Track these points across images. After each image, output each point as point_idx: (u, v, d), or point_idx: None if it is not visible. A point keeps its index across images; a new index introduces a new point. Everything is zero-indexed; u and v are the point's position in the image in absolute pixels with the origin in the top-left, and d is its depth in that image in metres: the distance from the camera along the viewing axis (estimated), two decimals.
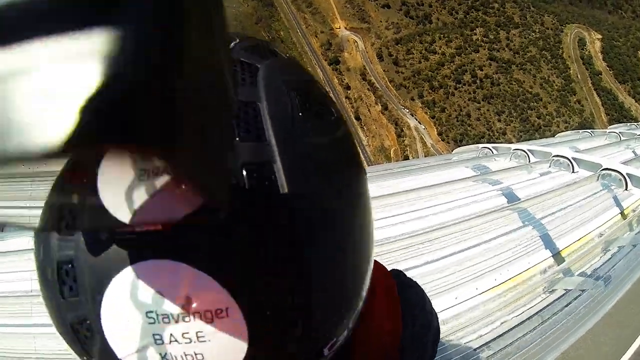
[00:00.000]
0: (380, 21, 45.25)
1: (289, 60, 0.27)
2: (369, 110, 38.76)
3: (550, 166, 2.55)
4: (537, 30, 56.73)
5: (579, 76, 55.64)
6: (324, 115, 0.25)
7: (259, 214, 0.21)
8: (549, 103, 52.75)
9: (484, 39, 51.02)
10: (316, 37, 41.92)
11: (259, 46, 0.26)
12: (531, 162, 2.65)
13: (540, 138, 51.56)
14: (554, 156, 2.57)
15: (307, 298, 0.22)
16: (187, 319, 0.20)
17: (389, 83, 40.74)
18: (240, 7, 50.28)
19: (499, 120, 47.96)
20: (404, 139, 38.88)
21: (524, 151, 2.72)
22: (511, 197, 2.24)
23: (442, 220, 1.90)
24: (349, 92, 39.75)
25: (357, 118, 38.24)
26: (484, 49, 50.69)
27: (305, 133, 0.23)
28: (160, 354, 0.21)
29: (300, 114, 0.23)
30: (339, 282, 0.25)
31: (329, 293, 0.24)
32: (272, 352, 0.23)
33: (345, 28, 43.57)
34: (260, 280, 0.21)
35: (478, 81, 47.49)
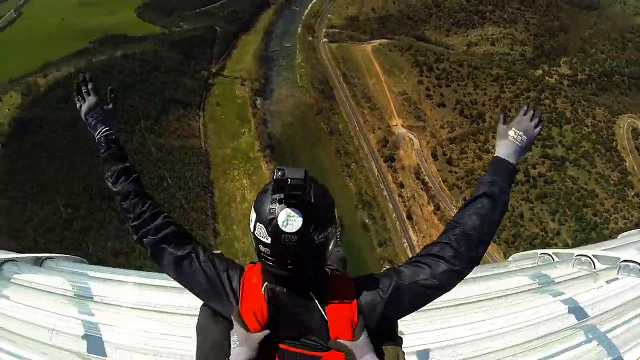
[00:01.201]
0: (436, 120, 47.87)
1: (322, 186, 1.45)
2: (421, 210, 40.25)
3: (618, 273, 2.37)
4: (589, 124, 57.56)
5: (635, 168, 55.01)
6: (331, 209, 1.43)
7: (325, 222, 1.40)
8: (606, 199, 51.96)
9: (537, 136, 52.41)
10: (373, 133, 45.05)
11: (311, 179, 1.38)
12: (597, 268, 2.50)
13: (598, 237, 50.22)
14: (622, 261, 2.40)
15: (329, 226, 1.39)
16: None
17: (442, 183, 42.38)
18: (303, 97, 55.35)
19: (553, 220, 47.81)
20: None
21: (587, 257, 2.56)
22: (578, 312, 2.11)
23: (505, 341, 1.94)
24: (402, 190, 41.67)
25: (409, 217, 39.76)
26: (537, 147, 51.95)
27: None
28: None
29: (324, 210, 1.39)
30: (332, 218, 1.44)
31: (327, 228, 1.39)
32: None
33: (402, 125, 46.43)
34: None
35: (531, 180, 48.26)
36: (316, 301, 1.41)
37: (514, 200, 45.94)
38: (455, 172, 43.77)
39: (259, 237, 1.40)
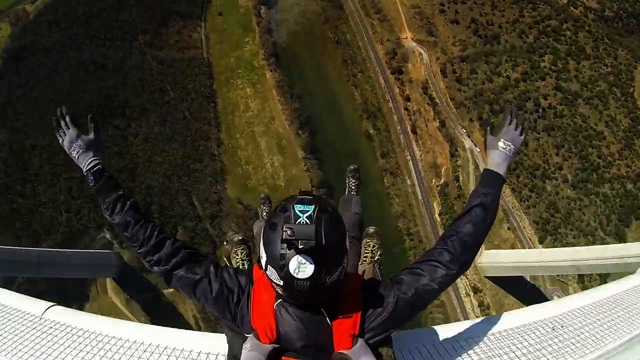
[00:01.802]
0: (448, 36, 45.29)
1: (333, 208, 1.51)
2: (426, 125, 39.06)
3: None
4: (609, 64, 54.90)
5: None
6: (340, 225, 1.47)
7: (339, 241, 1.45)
8: (613, 143, 50.83)
9: (552, 67, 50.09)
10: (382, 44, 42.59)
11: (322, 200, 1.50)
12: None
13: (598, 179, 49.61)
14: None
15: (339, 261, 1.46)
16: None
17: (449, 100, 40.84)
18: (309, 6, 51.79)
19: (557, 155, 46.96)
20: (457, 159, 38.89)
21: None
22: None
23: None
24: (408, 103, 40.19)
25: (414, 131, 38.68)
26: (551, 78, 49.78)
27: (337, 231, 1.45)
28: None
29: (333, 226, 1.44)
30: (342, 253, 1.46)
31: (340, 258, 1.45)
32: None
33: (412, 39, 43.96)
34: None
35: (540, 110, 46.67)
36: (327, 319, 1.50)
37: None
38: (464, 92, 42.04)
39: (271, 278, 1.46)
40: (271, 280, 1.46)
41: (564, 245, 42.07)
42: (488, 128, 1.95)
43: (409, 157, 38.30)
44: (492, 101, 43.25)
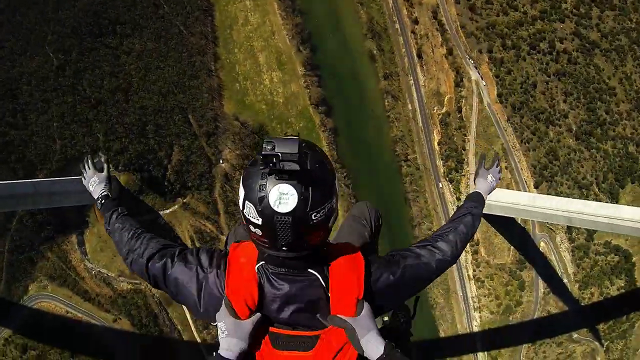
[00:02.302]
0: None
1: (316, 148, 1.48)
2: (432, 50, 37.42)
3: None
4: (634, 20, 52.03)
5: None
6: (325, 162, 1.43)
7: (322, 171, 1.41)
8: (622, 102, 49.13)
9: (574, 10, 47.43)
10: None
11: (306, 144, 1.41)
12: None
13: (602, 135, 48.54)
14: None
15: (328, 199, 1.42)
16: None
17: (459, 28, 38.90)
18: None
19: (565, 102, 45.49)
20: (462, 89, 37.62)
21: None
22: None
23: None
24: (416, 26, 38.28)
25: (419, 56, 37.13)
26: (571, 22, 47.26)
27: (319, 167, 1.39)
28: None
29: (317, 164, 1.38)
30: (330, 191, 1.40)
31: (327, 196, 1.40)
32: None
33: None
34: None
35: (554, 53, 44.64)
36: (318, 276, 1.36)
37: (532, 69, 43.00)
38: (476, 21, 39.93)
39: (248, 217, 1.32)
40: (248, 221, 1.32)
41: (557, 194, 41.79)
42: (483, 161, 2.65)
43: (412, 82, 37.05)
44: (505, 36, 41.24)
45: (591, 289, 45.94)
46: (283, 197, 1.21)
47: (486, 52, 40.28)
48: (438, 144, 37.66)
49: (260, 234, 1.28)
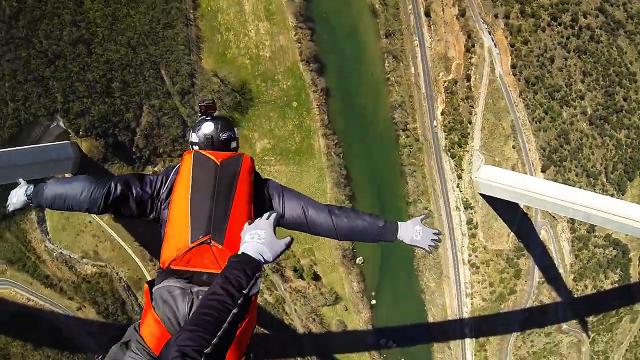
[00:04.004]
0: None
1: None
2: (443, 10, 34.06)
3: None
4: None
5: None
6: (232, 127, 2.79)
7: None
8: None
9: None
10: None
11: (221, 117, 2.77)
12: None
13: (617, 122, 45.56)
14: None
15: None
16: None
17: None
18: None
19: (582, 82, 42.44)
20: (473, 56, 34.47)
21: None
22: None
23: None
24: None
25: (427, 14, 33.75)
26: None
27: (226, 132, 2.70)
28: None
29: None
30: None
31: None
32: None
33: None
34: None
35: (577, 28, 41.35)
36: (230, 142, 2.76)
37: (550, 42, 39.76)
38: None
39: (191, 140, 2.76)
40: (192, 143, 2.77)
41: (565, 181, 39.23)
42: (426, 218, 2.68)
43: (416, 42, 33.77)
44: (524, 1, 37.90)
45: (585, 281, 44.07)
46: (206, 125, 2.67)
47: (502, 17, 36.94)
48: (441, 114, 34.61)
49: (198, 144, 2.71)
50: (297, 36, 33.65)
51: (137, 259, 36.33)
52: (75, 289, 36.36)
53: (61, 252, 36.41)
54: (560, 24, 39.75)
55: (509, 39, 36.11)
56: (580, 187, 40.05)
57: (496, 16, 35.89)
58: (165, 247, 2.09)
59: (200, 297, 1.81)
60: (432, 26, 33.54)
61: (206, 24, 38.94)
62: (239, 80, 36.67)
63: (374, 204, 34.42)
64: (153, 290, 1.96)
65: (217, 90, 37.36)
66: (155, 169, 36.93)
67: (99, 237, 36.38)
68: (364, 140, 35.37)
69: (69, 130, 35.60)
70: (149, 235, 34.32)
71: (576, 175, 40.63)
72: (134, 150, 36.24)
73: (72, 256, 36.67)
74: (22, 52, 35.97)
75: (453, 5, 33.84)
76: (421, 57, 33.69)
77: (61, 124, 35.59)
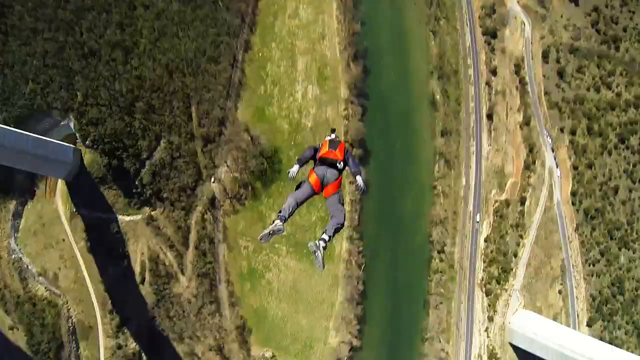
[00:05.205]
0: (561, 16, 34.44)
1: None
2: (506, 114, 28.40)
3: None
4: None
5: None
6: None
7: None
8: None
9: None
10: None
11: None
12: None
13: None
14: None
15: None
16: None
17: (543, 94, 30.19)
18: None
19: None
20: (532, 175, 28.43)
21: None
22: None
23: None
24: (493, 78, 29.66)
25: (490, 117, 28.11)
26: None
27: None
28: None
29: None
30: None
31: None
32: None
33: (518, 1, 32.95)
34: None
35: None
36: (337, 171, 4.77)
37: (616, 168, 33.90)
38: (563, 90, 31.57)
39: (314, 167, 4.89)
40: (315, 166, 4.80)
41: (612, 339, 32.27)
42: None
43: (473, 149, 28.70)
44: (592, 117, 32.53)
45: None
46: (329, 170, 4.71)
47: (569, 132, 31.29)
48: (485, 241, 28.47)
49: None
50: (346, 111, 30.17)
51: (96, 304, 32.43)
52: (17, 305, 32.68)
53: (20, 258, 32.83)
54: (627, 148, 34.35)
55: (572, 159, 30.37)
56: (629, 350, 33.00)
57: (562, 130, 30.34)
58: (320, 153, 4.80)
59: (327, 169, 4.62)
60: (492, 132, 28.02)
61: (253, 71, 36.55)
62: (272, 144, 33.71)
63: (384, 334, 29.95)
64: (314, 167, 4.75)
65: (244, 149, 34.34)
66: (153, 212, 34.16)
67: (65, 260, 32.97)
68: (392, 254, 30.18)
69: (77, 135, 33.74)
70: (120, 282, 32.02)
71: (625, 334, 33.54)
72: (136, 183, 33.26)
73: (29, 268, 33.29)
74: (60, 35, 34.48)
75: (518, 110, 28.27)
76: (475, 168, 28.75)
77: (72, 125, 33.96)
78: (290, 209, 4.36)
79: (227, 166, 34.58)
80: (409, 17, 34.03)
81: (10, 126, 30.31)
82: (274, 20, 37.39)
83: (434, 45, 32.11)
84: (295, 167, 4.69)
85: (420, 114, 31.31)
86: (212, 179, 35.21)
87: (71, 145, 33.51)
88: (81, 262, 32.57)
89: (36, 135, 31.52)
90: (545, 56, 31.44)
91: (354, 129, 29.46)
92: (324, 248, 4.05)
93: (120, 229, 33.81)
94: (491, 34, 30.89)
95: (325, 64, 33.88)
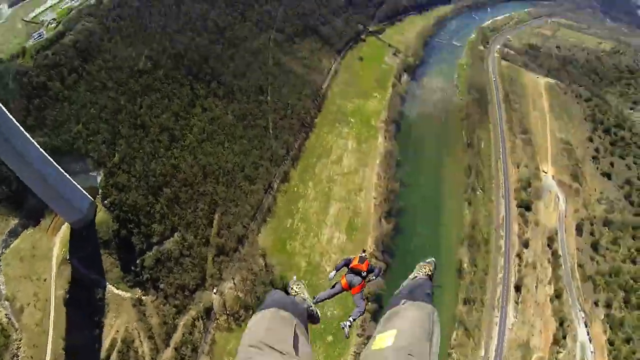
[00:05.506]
0: (594, 189, 37.76)
1: None
2: (536, 287, 31.16)
3: None
4: None
5: None
6: None
7: None
8: None
9: None
10: (517, 168, 36.42)
11: None
12: None
13: None
14: None
15: None
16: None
17: (577, 267, 32.66)
18: (454, 97, 47.97)
19: None
20: (561, 351, 29.98)
21: None
22: None
23: None
24: (524, 250, 32.79)
25: (517, 289, 30.91)
26: None
27: None
28: None
29: None
30: None
31: None
32: None
33: (552, 176, 37.21)
34: None
35: None
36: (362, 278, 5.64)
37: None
38: (598, 263, 33.52)
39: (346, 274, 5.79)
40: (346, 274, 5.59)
41: None
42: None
43: (497, 320, 30.16)
44: (629, 289, 33.94)
45: None
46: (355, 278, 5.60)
47: (603, 306, 32.97)
48: None
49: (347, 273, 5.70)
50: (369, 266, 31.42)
51: (49, 357, 29.40)
52: None
53: None
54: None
55: (607, 334, 31.42)
56: None
57: (596, 303, 32.11)
58: (352, 264, 5.55)
59: (354, 276, 5.51)
60: (519, 304, 30.33)
61: (284, 202, 37.80)
62: (283, 277, 33.37)
63: None
64: (345, 275, 5.53)
65: (255, 272, 34.00)
66: (143, 297, 31.98)
67: (39, 300, 30.29)
68: None
69: (99, 191, 33.49)
70: (82, 349, 29.02)
71: None
72: (137, 262, 32.41)
73: (0, 287, 30.74)
74: (123, 99, 36.11)
75: (549, 283, 30.92)
76: (497, 340, 29.61)
77: (98, 179, 34.07)
78: (325, 297, 5.23)
79: (234, 283, 33.35)
80: (447, 184, 36.96)
81: (46, 152, 30.30)
82: (316, 161, 39.40)
83: (468, 214, 34.63)
84: (333, 273, 5.98)
85: (445, 280, 32.40)
86: (215, 290, 33.40)
87: (90, 197, 32.70)
88: (52, 309, 29.73)
89: (62, 171, 31.12)
90: (578, 229, 34.56)
91: (373, 282, 31.25)
92: (350, 326, 5.22)
93: (105, 297, 31.18)
94: (525, 207, 34.52)
95: (358, 214, 34.04)
